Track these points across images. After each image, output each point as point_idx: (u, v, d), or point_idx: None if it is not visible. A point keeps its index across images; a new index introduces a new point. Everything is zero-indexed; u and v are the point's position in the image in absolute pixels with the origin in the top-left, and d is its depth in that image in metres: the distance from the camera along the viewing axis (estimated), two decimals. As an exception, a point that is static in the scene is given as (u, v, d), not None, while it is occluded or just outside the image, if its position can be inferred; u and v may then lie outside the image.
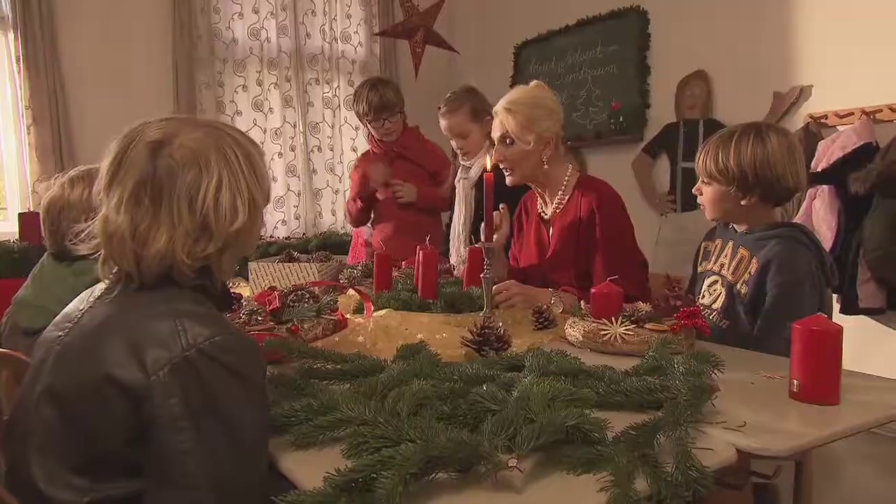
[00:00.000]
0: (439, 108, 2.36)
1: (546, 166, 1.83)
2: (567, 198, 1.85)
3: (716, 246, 1.66)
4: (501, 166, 1.82)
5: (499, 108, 1.82)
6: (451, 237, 2.45)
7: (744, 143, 1.50)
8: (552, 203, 1.87)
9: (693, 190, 1.66)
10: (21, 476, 0.86)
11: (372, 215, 2.83)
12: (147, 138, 0.89)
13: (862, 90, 2.69)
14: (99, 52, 3.71)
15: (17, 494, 0.87)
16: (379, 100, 2.61)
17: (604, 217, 1.76)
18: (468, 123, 2.32)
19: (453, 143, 2.36)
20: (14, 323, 1.54)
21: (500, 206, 1.87)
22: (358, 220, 2.84)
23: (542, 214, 1.91)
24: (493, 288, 1.64)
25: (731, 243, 1.59)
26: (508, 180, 1.85)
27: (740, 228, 1.60)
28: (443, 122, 2.35)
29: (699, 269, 1.71)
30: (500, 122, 1.81)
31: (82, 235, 0.94)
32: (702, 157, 1.57)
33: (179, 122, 0.92)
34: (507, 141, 1.80)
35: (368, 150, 2.90)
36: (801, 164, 1.52)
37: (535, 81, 1.88)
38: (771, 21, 3.02)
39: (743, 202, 1.53)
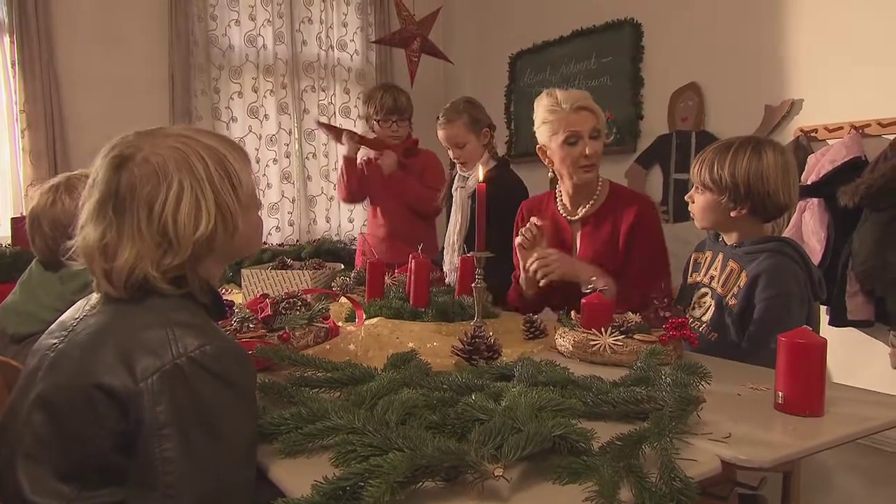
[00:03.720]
0: (438, 118, 2.39)
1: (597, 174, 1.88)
2: (602, 202, 1.87)
3: (706, 258, 1.67)
4: (589, 163, 1.80)
5: (584, 103, 1.79)
6: (445, 245, 2.46)
7: (740, 155, 1.51)
8: (587, 205, 1.88)
9: (685, 197, 1.67)
10: (7, 483, 0.86)
11: (368, 219, 2.85)
12: (113, 153, 0.90)
13: (851, 105, 2.72)
14: (95, 58, 3.71)
15: (3, 501, 0.87)
16: (393, 102, 2.69)
17: (649, 226, 1.82)
18: (466, 134, 2.35)
19: (451, 153, 2.38)
20: (1, 330, 1.53)
21: (533, 219, 1.83)
22: (347, 190, 2.81)
23: (569, 217, 1.92)
24: (536, 255, 1.70)
25: (720, 256, 1.61)
26: (586, 177, 1.83)
27: (730, 241, 1.61)
28: (441, 133, 2.38)
29: (689, 280, 1.72)
30: (589, 116, 1.79)
31: (72, 252, 0.94)
32: (697, 166, 1.59)
33: (149, 136, 0.92)
34: (596, 135, 1.81)
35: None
36: (795, 182, 1.54)
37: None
38: (763, 35, 3.05)
39: (733, 213, 1.54)
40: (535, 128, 1.88)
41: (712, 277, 1.61)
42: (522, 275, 1.85)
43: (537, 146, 1.89)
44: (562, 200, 1.95)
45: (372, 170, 2.78)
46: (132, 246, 0.87)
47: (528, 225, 1.82)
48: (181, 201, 0.89)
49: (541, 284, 1.80)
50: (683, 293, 1.73)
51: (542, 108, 1.84)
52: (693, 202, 1.63)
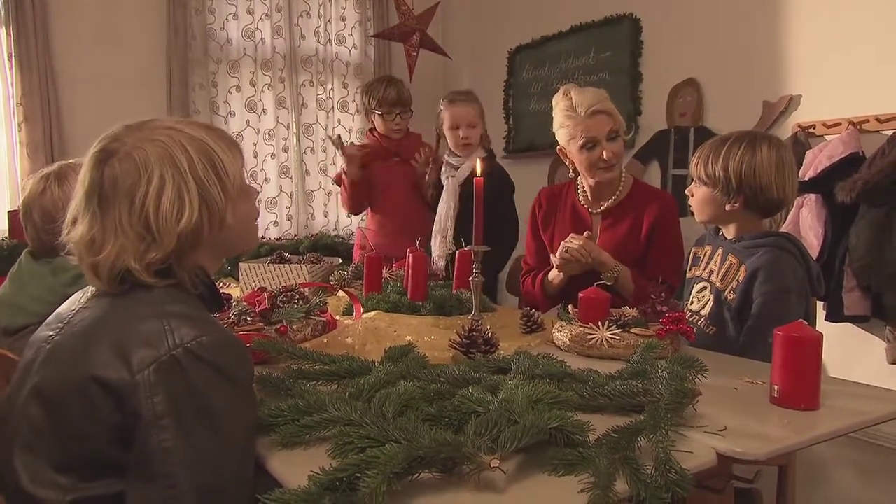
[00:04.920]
0: (447, 98, 2.42)
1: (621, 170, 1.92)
2: (624, 197, 1.91)
3: (705, 252, 1.68)
4: (609, 164, 1.84)
5: (600, 106, 1.81)
6: (434, 231, 2.46)
7: (734, 149, 1.53)
8: (609, 199, 1.91)
9: (686, 191, 1.69)
10: (4, 472, 0.87)
11: (368, 212, 2.84)
12: (97, 148, 0.91)
13: (849, 101, 2.72)
14: (92, 51, 3.69)
15: (2, 491, 0.87)
16: (396, 94, 2.67)
17: (672, 223, 1.86)
18: (478, 117, 2.41)
19: (461, 131, 2.37)
20: None
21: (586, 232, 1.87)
22: (352, 205, 2.79)
23: (590, 208, 1.95)
24: (569, 252, 1.77)
25: (720, 250, 1.62)
26: (608, 176, 1.87)
27: (729, 235, 1.62)
28: (458, 109, 2.38)
29: (688, 274, 1.73)
30: (606, 120, 1.81)
31: (67, 248, 0.94)
32: (695, 160, 1.61)
33: (134, 130, 0.92)
34: (614, 136, 1.83)
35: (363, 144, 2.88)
36: (791, 178, 1.54)
37: (571, 85, 1.90)
38: (761, 31, 3.05)
39: (727, 207, 1.56)
40: (553, 129, 1.90)
41: (711, 272, 1.61)
42: (554, 272, 1.89)
43: (558, 147, 1.91)
44: (584, 192, 1.98)
45: (382, 165, 2.76)
46: (115, 240, 0.88)
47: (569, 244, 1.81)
48: (163, 194, 0.88)
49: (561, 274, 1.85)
50: (683, 287, 1.75)
51: (559, 111, 1.86)
52: (693, 196, 1.64)
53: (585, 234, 1.83)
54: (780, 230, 2.48)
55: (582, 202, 1.97)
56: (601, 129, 1.80)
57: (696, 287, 1.65)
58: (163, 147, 0.90)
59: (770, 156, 1.51)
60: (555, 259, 1.83)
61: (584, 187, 1.97)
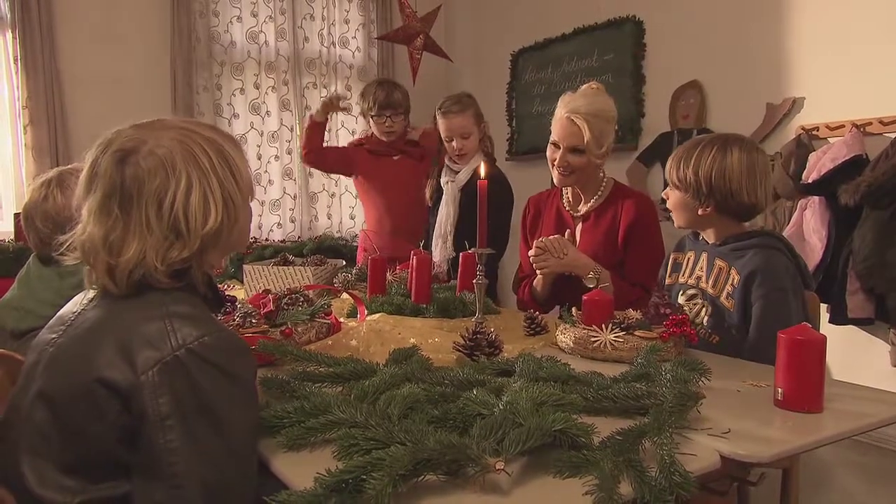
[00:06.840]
0: (441, 108, 2.36)
1: (602, 174, 1.92)
2: (603, 200, 1.91)
3: (687, 258, 1.65)
4: (561, 171, 1.85)
5: (573, 114, 1.78)
6: (434, 235, 2.45)
7: (706, 153, 1.51)
8: (589, 202, 1.92)
9: (662, 194, 1.68)
10: (11, 476, 0.87)
11: (366, 212, 2.86)
12: (115, 147, 0.89)
13: (853, 103, 2.72)
14: (97, 54, 3.72)
15: (10, 495, 0.88)
16: (385, 97, 2.65)
17: (647, 223, 1.85)
18: (472, 125, 2.36)
19: (454, 143, 2.35)
20: (0, 326, 1.54)
21: (567, 231, 1.89)
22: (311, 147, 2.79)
23: (572, 212, 1.96)
24: (543, 243, 1.78)
25: (704, 255, 1.59)
26: (561, 181, 1.88)
27: (710, 239, 1.60)
28: (451, 121, 2.33)
29: (668, 280, 1.70)
30: (575, 131, 1.79)
31: (66, 246, 0.93)
32: (668, 164, 1.59)
33: (149, 129, 0.91)
34: (578, 151, 1.81)
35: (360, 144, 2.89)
36: (763, 181, 1.51)
37: (595, 85, 1.88)
38: (765, 33, 3.05)
39: (700, 211, 1.54)
40: None
41: (699, 278, 1.58)
42: (539, 278, 1.90)
43: None
44: (567, 196, 1.98)
45: (380, 164, 2.77)
46: (139, 240, 0.87)
47: (543, 240, 1.83)
48: (190, 195, 0.88)
49: (539, 274, 1.86)
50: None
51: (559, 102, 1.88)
52: (668, 199, 1.63)
53: (567, 234, 1.84)
54: (782, 233, 2.48)
55: (565, 206, 1.98)
56: (565, 138, 1.81)
57: (683, 294, 1.62)
58: (185, 146, 0.90)
59: (741, 160, 1.48)
60: (531, 255, 1.84)
61: (567, 191, 1.97)
